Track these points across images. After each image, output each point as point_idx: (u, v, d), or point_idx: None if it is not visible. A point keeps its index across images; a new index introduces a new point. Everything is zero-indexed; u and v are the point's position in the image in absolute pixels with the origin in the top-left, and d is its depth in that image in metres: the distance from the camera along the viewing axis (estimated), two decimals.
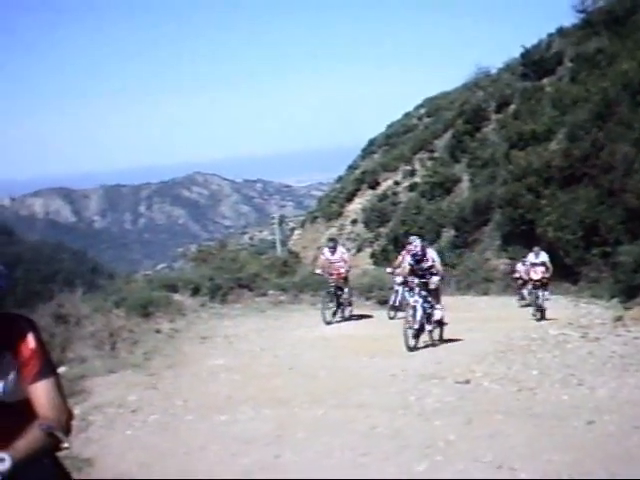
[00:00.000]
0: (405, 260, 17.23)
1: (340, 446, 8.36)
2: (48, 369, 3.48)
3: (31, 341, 3.44)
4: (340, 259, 19.98)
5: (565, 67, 50.38)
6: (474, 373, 12.03)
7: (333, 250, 20.20)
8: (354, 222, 61.00)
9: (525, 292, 25.43)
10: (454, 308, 22.44)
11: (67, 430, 3.41)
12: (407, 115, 79.57)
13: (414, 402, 10.26)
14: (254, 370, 12.98)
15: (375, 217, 58.44)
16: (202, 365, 13.41)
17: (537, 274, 21.39)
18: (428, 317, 15.54)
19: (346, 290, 19.81)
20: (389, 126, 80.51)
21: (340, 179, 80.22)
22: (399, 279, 18.15)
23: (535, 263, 21.92)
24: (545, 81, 51.22)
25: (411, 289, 16.45)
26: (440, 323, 15.88)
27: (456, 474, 7.34)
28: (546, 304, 20.81)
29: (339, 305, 19.57)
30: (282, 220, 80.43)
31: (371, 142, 79.59)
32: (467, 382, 11.41)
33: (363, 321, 19.41)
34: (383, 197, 60.51)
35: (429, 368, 12.59)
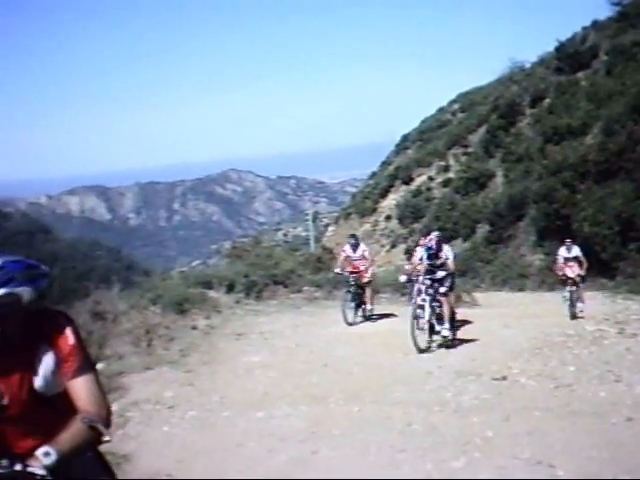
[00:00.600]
0: (417, 255, 16.59)
1: (376, 443, 8.36)
2: (87, 365, 3.54)
3: (70, 337, 3.50)
4: (361, 257, 19.23)
5: (600, 60, 49.92)
6: (511, 369, 11.98)
7: (355, 247, 19.42)
8: (388, 218, 60.89)
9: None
10: (489, 304, 22.40)
11: (108, 424, 3.45)
12: (441, 110, 79.24)
13: (450, 399, 10.24)
14: (290, 367, 13.00)
15: (409, 213, 58.29)
16: (238, 362, 13.45)
17: (573, 271, 20.25)
18: (439, 317, 14.90)
19: (367, 289, 19.05)
20: (423, 121, 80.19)
21: (374, 175, 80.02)
22: (403, 277, 16.47)
23: (567, 258, 20.69)
24: (580, 75, 50.78)
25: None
26: (451, 323, 15.13)
27: (494, 471, 7.31)
28: (580, 303, 19.98)
29: (359, 304, 18.84)
30: (316, 216, 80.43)
31: (405, 138, 79.32)
32: (504, 379, 11.35)
33: (396, 318, 19.20)
34: (417, 193, 60.34)
35: (465, 365, 12.54)
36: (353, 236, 20.85)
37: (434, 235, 16.06)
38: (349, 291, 18.70)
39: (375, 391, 10.88)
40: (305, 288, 22.48)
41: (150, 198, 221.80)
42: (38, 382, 3.50)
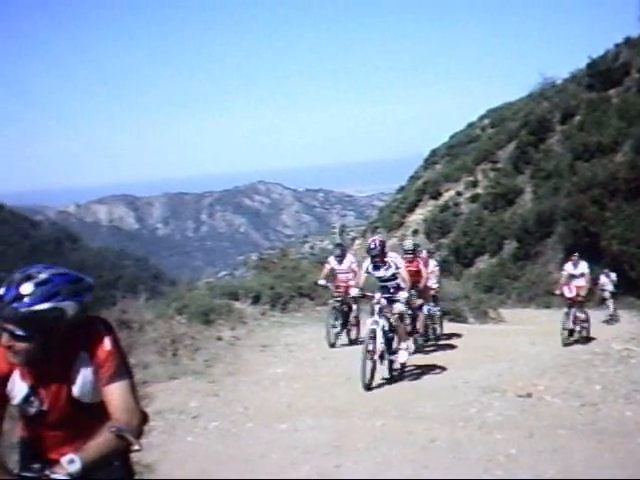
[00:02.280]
0: (363, 266, 13.69)
1: (399, 458, 8.33)
2: (123, 371, 3.55)
3: (107, 343, 3.53)
4: (348, 269, 17.11)
5: (632, 78, 49.79)
6: (536, 387, 11.90)
7: (340, 258, 17.33)
8: (415, 232, 60.78)
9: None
10: (515, 321, 22.29)
11: (138, 433, 3.46)
12: (470, 125, 79.24)
13: (475, 415, 10.19)
14: (314, 379, 12.98)
15: (436, 228, 58.23)
16: (263, 373, 13.46)
17: (571, 290, 18.35)
18: (389, 344, 12.75)
19: (354, 307, 17.11)
20: (452, 136, 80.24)
21: (402, 189, 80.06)
22: (354, 291, 13.68)
23: (573, 275, 18.87)
24: (612, 92, 50.65)
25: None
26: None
27: None
28: (579, 327, 18.19)
29: (344, 325, 16.91)
30: (343, 229, 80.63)
31: (433, 152, 79.40)
32: (529, 396, 11.28)
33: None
34: (445, 208, 60.30)
35: (490, 381, 12.47)
36: (339, 246, 18.74)
37: (378, 239, 13.81)
38: (334, 308, 16.90)
39: (399, 406, 10.85)
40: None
41: (178, 208, 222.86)
42: (76, 389, 3.56)
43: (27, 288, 3.30)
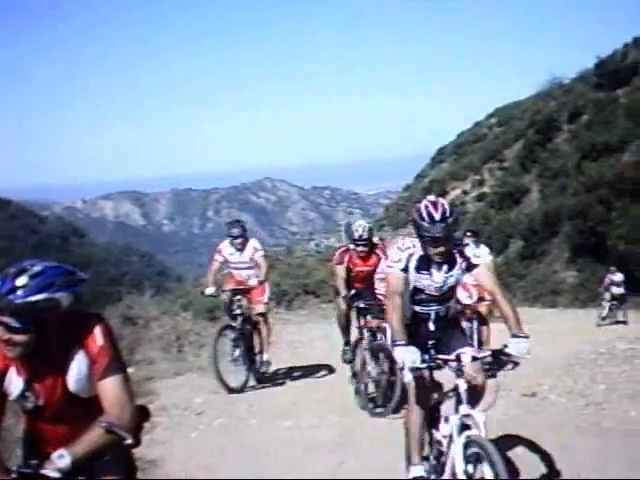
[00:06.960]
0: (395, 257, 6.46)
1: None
2: (116, 366, 3.61)
3: (99, 338, 3.58)
4: (250, 261, 11.70)
5: None
6: (541, 386, 11.87)
7: (241, 244, 11.58)
8: None
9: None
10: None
11: (131, 428, 3.47)
12: (477, 124, 79.02)
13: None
14: (318, 377, 12.99)
15: None
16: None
17: (471, 296, 10.81)
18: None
19: (262, 326, 12.01)
20: (459, 135, 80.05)
21: (408, 187, 79.95)
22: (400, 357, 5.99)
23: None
24: (619, 92, 50.51)
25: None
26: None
27: None
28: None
29: (249, 353, 11.75)
30: (349, 227, 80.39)
31: (440, 151, 79.26)
32: (533, 395, 11.26)
33: None
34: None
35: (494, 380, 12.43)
36: (236, 223, 12.11)
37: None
38: (230, 326, 11.57)
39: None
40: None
41: (184, 205, 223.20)
42: (72, 383, 3.60)
43: (22, 280, 3.36)
